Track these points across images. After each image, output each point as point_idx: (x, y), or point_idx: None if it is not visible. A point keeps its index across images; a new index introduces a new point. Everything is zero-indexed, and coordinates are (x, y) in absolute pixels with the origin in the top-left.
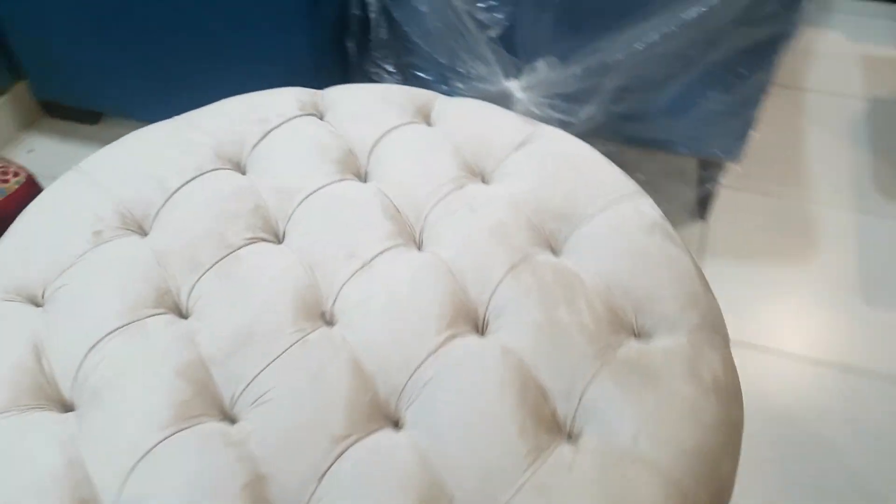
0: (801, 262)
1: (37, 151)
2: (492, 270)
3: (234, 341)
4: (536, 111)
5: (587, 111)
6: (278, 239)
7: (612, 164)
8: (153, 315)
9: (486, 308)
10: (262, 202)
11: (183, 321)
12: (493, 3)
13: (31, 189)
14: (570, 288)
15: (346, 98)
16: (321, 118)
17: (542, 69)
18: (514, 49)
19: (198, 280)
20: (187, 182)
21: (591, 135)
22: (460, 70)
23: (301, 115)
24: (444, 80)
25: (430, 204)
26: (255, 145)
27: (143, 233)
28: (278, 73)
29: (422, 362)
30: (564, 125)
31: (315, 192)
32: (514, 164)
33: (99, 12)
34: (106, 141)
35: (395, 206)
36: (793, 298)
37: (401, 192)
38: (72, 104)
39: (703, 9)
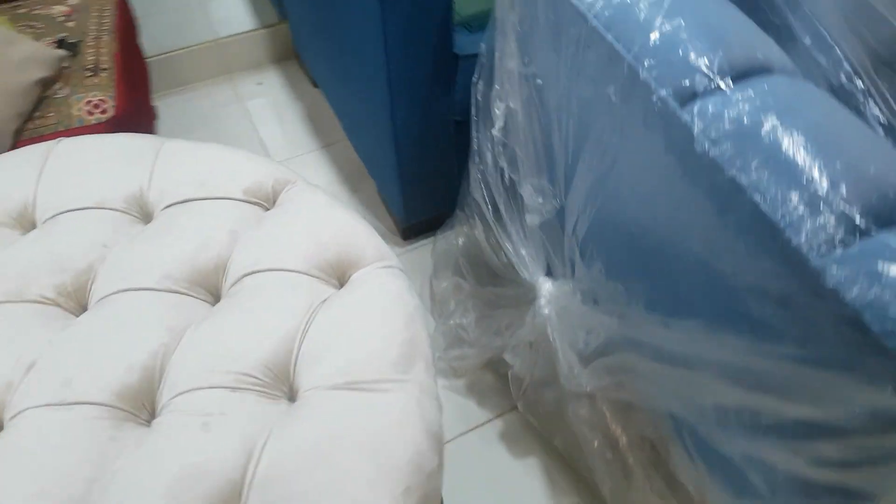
0: None
1: (263, 86)
2: None
3: None
4: (555, 340)
5: (596, 382)
6: (79, 310)
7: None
8: None
9: None
10: (97, 268)
11: None
12: (547, 184)
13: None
14: None
15: (301, 203)
16: (266, 208)
17: (567, 292)
18: (561, 250)
19: None
20: (78, 209)
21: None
22: (506, 239)
23: (233, 200)
24: (494, 228)
25: (190, 386)
26: (169, 205)
27: (27, 230)
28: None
29: None
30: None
31: (138, 290)
32: (323, 401)
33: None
34: (309, 107)
35: (168, 363)
36: None
37: (198, 350)
38: (304, 61)
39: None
